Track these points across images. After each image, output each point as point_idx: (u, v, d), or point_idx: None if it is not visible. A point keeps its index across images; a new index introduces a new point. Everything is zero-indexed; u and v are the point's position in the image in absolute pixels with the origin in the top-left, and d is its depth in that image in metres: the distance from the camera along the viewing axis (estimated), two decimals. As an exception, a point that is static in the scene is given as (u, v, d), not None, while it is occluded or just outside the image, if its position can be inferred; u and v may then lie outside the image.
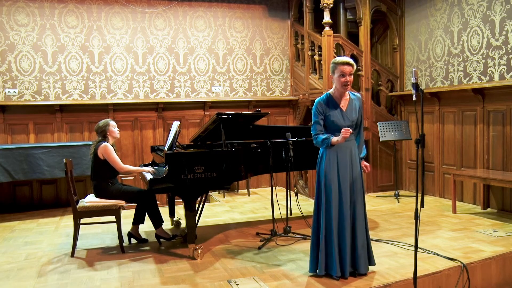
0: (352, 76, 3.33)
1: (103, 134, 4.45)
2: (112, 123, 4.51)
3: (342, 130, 3.23)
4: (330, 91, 3.43)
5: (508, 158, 5.35)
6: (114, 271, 3.76)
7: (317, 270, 3.41)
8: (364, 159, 3.61)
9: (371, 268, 3.50)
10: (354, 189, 3.37)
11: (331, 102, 3.38)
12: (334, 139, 3.28)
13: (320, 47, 6.78)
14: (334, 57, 6.59)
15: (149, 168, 4.61)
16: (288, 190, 4.71)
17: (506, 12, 5.25)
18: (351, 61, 3.34)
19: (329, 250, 3.35)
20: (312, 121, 3.43)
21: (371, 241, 4.25)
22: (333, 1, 6.53)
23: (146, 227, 4.80)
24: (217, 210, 6.18)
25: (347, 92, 3.43)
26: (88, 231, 4.98)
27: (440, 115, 6.37)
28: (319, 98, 3.42)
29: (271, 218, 4.57)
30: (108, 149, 4.32)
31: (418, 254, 3.25)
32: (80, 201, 4.36)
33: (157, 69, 7.16)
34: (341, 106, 3.38)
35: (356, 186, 3.38)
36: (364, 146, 3.59)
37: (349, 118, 3.37)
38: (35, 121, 6.56)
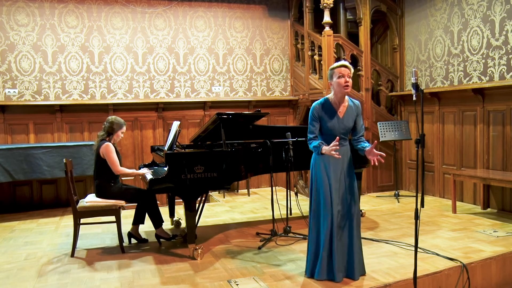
0: (351, 79, 3.28)
1: (110, 131, 4.42)
2: (124, 129, 4.51)
3: (333, 147, 3.16)
4: (329, 96, 3.38)
5: (508, 158, 5.35)
6: (114, 271, 3.76)
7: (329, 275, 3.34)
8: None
9: (370, 269, 3.49)
10: (347, 195, 3.34)
11: (328, 107, 3.33)
12: (324, 150, 3.25)
13: (320, 47, 6.78)
14: (334, 57, 6.63)
15: (145, 170, 4.59)
16: (288, 190, 4.71)
17: (506, 12, 5.25)
18: (348, 64, 3.32)
19: (321, 255, 3.33)
20: (308, 125, 3.40)
21: (371, 243, 4.25)
22: (333, 1, 6.53)
23: (146, 227, 4.80)
24: (217, 210, 6.18)
25: (346, 98, 3.37)
26: (88, 231, 4.98)
27: (440, 115, 6.37)
28: (316, 102, 3.39)
29: (271, 218, 4.57)
30: (109, 149, 4.31)
31: (418, 254, 3.25)
32: (80, 201, 4.36)
33: (157, 69, 7.16)
34: (338, 112, 3.33)
35: (350, 190, 3.35)
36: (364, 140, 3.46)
37: (345, 126, 3.32)
38: (35, 121, 6.56)
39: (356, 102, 3.45)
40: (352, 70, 3.33)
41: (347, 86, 3.26)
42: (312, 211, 3.40)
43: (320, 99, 3.40)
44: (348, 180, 3.36)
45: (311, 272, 3.42)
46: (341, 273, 3.32)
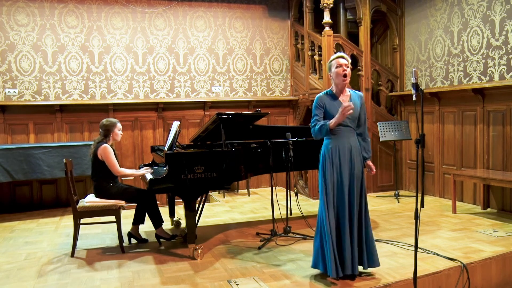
0: (349, 70, 3.34)
1: (106, 133, 4.44)
2: (119, 126, 4.51)
3: (340, 108, 3.20)
4: (330, 88, 3.45)
5: (508, 158, 5.35)
6: (114, 271, 3.76)
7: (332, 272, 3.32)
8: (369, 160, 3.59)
9: (370, 269, 3.48)
10: (354, 188, 3.34)
11: (331, 97, 3.39)
12: (332, 120, 3.27)
13: (320, 47, 6.78)
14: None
15: (144, 170, 4.58)
16: (288, 190, 4.71)
17: (506, 12, 5.25)
18: (345, 55, 3.39)
19: (329, 249, 3.33)
20: (312, 116, 3.42)
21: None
22: (333, 1, 6.53)
23: (146, 227, 4.80)
24: (217, 210, 6.18)
25: (347, 89, 3.43)
26: (88, 231, 4.98)
27: (440, 115, 6.37)
28: (320, 93, 3.44)
29: (271, 218, 4.57)
30: (107, 151, 4.31)
31: (418, 254, 3.25)
32: (80, 201, 4.36)
33: (157, 69, 7.16)
34: (341, 100, 3.37)
35: (357, 185, 3.35)
36: (369, 147, 3.54)
37: (351, 114, 3.33)
38: (35, 121, 6.56)
39: (359, 92, 3.51)
40: (350, 61, 3.40)
41: (346, 75, 3.31)
42: (324, 209, 3.34)
43: (323, 91, 3.45)
44: (357, 173, 3.35)
45: (336, 272, 3.28)
46: (356, 265, 3.32)
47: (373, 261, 3.40)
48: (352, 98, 3.41)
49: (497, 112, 5.47)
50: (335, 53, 6.83)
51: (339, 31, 7.33)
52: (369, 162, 3.54)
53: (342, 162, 3.33)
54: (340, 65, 3.31)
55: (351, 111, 3.20)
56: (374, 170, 3.58)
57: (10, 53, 6.43)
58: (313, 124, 3.39)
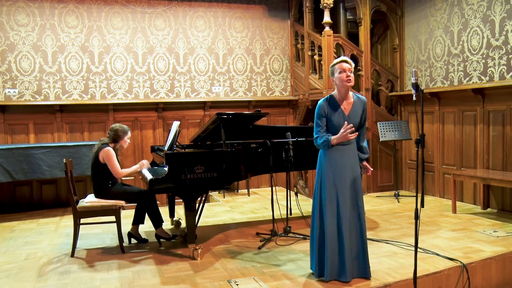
0: (352, 74, 3.28)
1: (115, 138, 4.46)
2: (129, 134, 4.56)
3: (342, 129, 3.21)
4: (333, 93, 3.37)
5: (508, 158, 5.35)
6: (114, 271, 3.76)
7: (325, 275, 3.33)
8: (366, 161, 3.58)
9: (370, 268, 3.47)
10: (353, 192, 3.32)
11: (333, 105, 3.32)
12: (334, 138, 3.25)
13: (320, 47, 6.78)
14: (334, 57, 6.63)
15: (144, 161, 4.57)
16: (288, 190, 4.71)
17: (506, 12, 5.25)
18: (348, 59, 3.32)
19: (324, 253, 3.32)
20: (314, 124, 3.39)
21: (371, 243, 4.24)
22: (333, 1, 6.53)
23: (146, 227, 4.80)
24: (217, 210, 6.18)
25: (350, 94, 3.36)
26: (88, 231, 4.98)
27: (440, 115, 6.38)
28: (321, 99, 3.37)
29: (271, 218, 4.57)
30: (109, 155, 4.30)
31: (418, 254, 3.25)
32: (80, 201, 4.36)
33: (157, 69, 7.16)
34: (343, 109, 3.31)
35: (355, 190, 3.33)
36: (367, 148, 3.52)
37: (351, 123, 3.28)
38: (35, 121, 6.56)
39: (362, 97, 3.43)
40: (353, 65, 3.34)
41: (349, 80, 3.25)
42: (316, 210, 3.36)
43: (325, 96, 3.38)
44: (355, 178, 3.34)
45: (319, 273, 3.38)
46: (350, 274, 3.30)
47: (365, 272, 3.37)
48: (354, 105, 3.33)
49: (497, 112, 5.47)
50: (335, 53, 6.89)
51: (339, 31, 7.33)
52: (365, 163, 3.51)
53: (341, 168, 3.30)
54: (344, 70, 3.24)
55: (351, 136, 3.22)
56: (370, 171, 3.54)
57: (10, 53, 6.43)
58: (316, 136, 3.36)
